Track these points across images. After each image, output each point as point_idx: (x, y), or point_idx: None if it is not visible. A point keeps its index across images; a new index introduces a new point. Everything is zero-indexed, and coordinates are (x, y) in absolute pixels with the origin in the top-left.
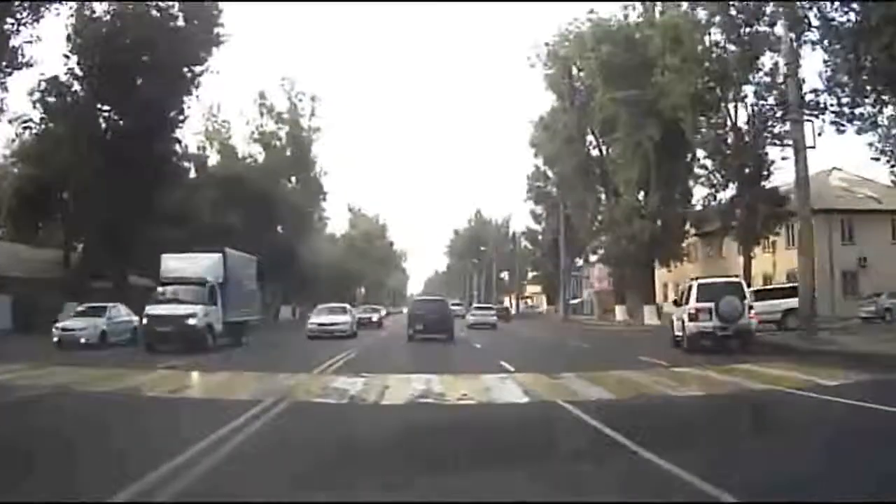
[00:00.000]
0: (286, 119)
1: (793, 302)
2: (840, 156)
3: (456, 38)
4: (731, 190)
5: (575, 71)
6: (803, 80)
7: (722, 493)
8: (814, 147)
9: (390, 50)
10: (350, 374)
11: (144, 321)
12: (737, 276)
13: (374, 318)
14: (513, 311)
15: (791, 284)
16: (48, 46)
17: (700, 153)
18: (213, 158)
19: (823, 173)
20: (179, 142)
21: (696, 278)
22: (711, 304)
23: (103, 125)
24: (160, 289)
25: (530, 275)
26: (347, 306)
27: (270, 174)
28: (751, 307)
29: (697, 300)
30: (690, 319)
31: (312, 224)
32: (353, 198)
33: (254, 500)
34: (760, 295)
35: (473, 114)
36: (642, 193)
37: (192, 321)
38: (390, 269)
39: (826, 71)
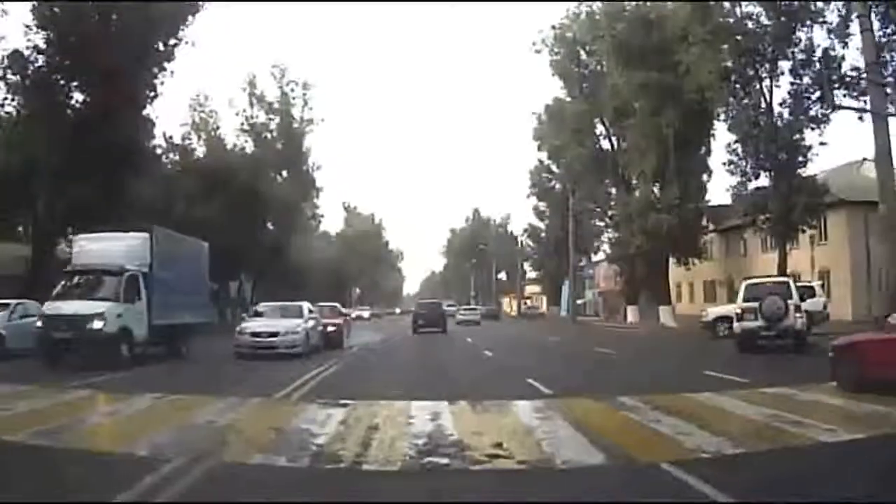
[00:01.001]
0: (277, 109)
1: (804, 304)
2: (868, 147)
3: (454, 34)
4: (762, 180)
5: (584, 56)
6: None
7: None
8: (894, 114)
9: (387, 46)
10: (322, 402)
11: (39, 324)
12: (777, 274)
13: (330, 328)
14: (514, 313)
15: (805, 283)
16: (14, 20)
17: (727, 139)
18: (200, 151)
19: (853, 164)
20: (152, 122)
21: (748, 278)
22: (756, 304)
23: (69, 102)
24: (63, 279)
25: (528, 275)
26: (305, 306)
27: (259, 166)
28: (798, 307)
29: (744, 300)
30: (737, 319)
31: (304, 220)
32: (349, 196)
33: (253, 500)
34: None
35: (471, 112)
36: (657, 186)
37: (97, 324)
38: (386, 270)
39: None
